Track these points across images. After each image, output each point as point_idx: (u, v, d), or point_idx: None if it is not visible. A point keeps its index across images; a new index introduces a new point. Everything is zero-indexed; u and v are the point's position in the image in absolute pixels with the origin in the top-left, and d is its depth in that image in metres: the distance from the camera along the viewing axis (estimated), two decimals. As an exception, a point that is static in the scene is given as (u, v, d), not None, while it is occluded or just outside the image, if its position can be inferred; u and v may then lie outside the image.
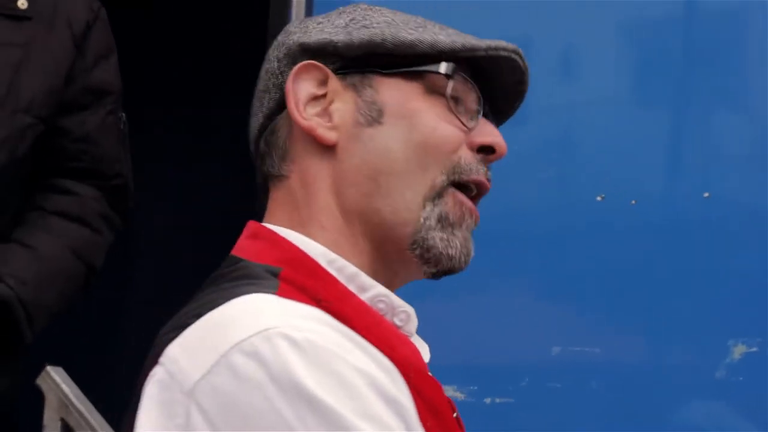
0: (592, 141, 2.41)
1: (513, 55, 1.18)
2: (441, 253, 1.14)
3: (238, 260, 1.14)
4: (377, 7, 1.21)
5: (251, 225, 1.20)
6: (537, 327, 2.34)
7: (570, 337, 2.32)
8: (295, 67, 1.17)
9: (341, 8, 1.22)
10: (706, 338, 2.24)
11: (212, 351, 1.00)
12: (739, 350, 2.23)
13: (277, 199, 1.20)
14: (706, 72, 2.32)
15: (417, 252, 1.15)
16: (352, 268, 1.14)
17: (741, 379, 2.23)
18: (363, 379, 0.99)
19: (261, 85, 1.23)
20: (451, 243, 1.14)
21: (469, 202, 1.16)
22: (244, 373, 0.98)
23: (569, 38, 2.39)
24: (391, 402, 1.00)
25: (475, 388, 2.33)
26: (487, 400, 2.33)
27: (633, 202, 2.32)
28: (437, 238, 1.14)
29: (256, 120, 1.22)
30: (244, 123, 1.25)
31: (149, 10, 4.43)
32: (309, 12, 2.66)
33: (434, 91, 1.17)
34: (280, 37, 1.23)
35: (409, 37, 1.16)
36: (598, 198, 2.30)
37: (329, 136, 1.16)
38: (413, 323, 1.17)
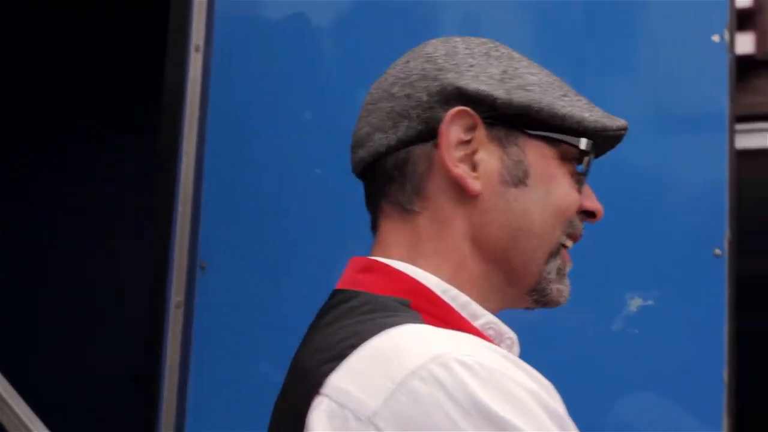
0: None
1: (624, 132, 1.30)
2: (554, 300, 1.29)
3: (357, 293, 1.20)
4: (515, 54, 1.29)
5: (359, 260, 1.26)
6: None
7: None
8: (452, 111, 1.23)
9: (483, 44, 1.29)
10: (603, 291, 2.29)
11: (387, 379, 1.04)
12: (635, 303, 2.28)
13: (397, 230, 1.26)
14: (603, 40, 2.38)
15: (534, 297, 1.28)
16: (464, 297, 1.22)
17: (636, 331, 2.27)
18: (531, 397, 1.05)
19: (396, 105, 1.26)
20: (562, 292, 1.29)
21: (568, 256, 1.30)
22: (425, 398, 1.02)
23: (470, 7, 2.42)
24: (554, 417, 1.06)
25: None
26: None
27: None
28: (554, 288, 1.27)
29: (384, 138, 1.26)
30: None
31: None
32: (210, 10, 2.56)
33: (566, 157, 1.27)
34: (427, 66, 1.26)
35: (562, 111, 1.25)
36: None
37: (476, 186, 1.23)
38: (517, 349, 1.27)
